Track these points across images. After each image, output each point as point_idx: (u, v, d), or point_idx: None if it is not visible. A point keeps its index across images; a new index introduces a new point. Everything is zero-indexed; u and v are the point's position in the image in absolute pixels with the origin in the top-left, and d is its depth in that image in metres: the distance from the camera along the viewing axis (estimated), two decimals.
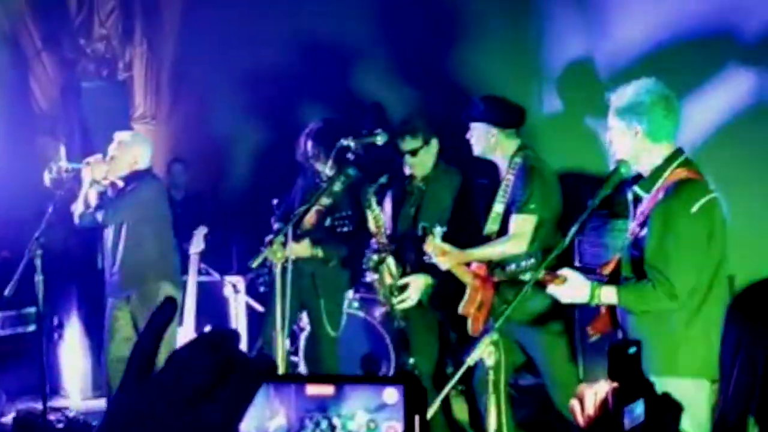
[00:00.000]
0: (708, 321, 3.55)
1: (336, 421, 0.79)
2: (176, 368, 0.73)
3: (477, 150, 4.84)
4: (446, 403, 5.11)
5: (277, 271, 4.72)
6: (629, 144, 3.72)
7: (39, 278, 5.49)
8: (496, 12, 6.48)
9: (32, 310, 5.93)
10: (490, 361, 3.51)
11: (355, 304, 5.93)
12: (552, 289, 3.74)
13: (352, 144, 4.75)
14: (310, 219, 5.27)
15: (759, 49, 5.40)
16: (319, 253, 5.39)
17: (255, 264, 4.69)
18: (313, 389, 0.78)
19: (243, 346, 0.78)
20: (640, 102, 3.69)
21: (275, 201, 5.91)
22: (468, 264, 4.74)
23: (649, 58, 5.73)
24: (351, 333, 5.75)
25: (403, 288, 5.04)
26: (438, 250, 4.64)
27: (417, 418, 0.76)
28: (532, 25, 6.41)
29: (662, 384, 1.92)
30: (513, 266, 4.62)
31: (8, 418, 5.78)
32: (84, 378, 6.51)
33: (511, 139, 4.80)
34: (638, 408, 1.80)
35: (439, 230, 4.66)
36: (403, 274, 5.10)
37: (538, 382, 5.10)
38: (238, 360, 0.73)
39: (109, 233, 5.68)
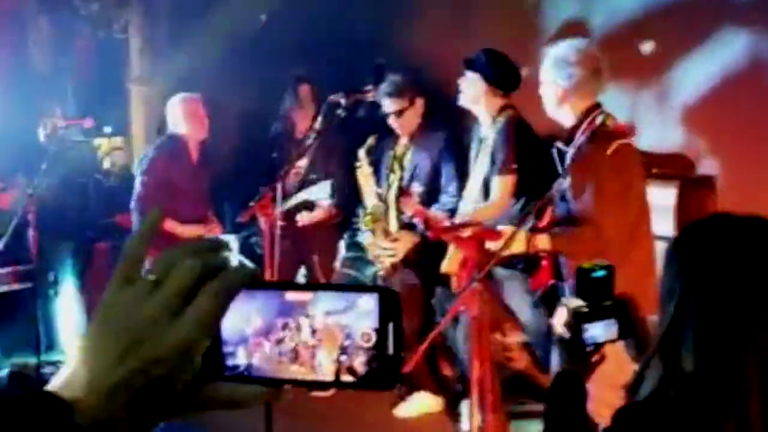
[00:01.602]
0: (637, 264, 3.68)
1: (305, 321, 0.81)
2: (163, 271, 0.76)
3: (463, 99, 4.86)
4: (433, 361, 5.16)
5: (265, 228, 4.77)
6: (553, 98, 3.97)
7: (32, 234, 5.53)
8: None
9: (28, 267, 5.97)
10: (473, 312, 3.56)
11: (348, 263, 5.96)
12: (491, 243, 3.95)
13: (342, 100, 4.77)
14: (289, 179, 5.30)
15: (753, 9, 5.40)
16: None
17: (244, 219, 4.73)
18: (290, 296, 0.81)
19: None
20: (566, 59, 3.92)
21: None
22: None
23: (644, 19, 5.73)
24: None
25: (393, 242, 5.08)
26: (421, 216, 4.66)
27: (391, 325, 0.79)
28: None
29: None
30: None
31: (3, 373, 5.83)
32: (79, 333, 6.55)
33: (497, 97, 4.81)
34: (597, 328, 1.95)
35: (417, 189, 4.67)
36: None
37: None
38: (221, 266, 0.76)
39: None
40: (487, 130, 4.79)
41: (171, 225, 5.57)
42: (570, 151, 3.92)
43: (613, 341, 2.00)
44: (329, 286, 0.83)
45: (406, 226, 4.99)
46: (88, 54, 7.55)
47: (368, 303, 0.79)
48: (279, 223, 4.65)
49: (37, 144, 6.02)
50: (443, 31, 6.51)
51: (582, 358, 2.03)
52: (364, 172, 5.08)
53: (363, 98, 4.82)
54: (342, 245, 5.95)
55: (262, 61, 7.17)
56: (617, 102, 5.63)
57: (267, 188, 4.68)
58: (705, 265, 1.67)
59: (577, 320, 1.97)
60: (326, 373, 0.80)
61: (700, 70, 5.55)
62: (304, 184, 5.29)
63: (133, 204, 5.78)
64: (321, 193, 5.27)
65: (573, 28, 6.16)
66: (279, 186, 4.61)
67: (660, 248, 4.96)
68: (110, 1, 7.86)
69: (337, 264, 5.83)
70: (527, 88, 5.60)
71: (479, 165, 4.78)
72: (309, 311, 0.80)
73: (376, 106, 5.09)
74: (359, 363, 0.79)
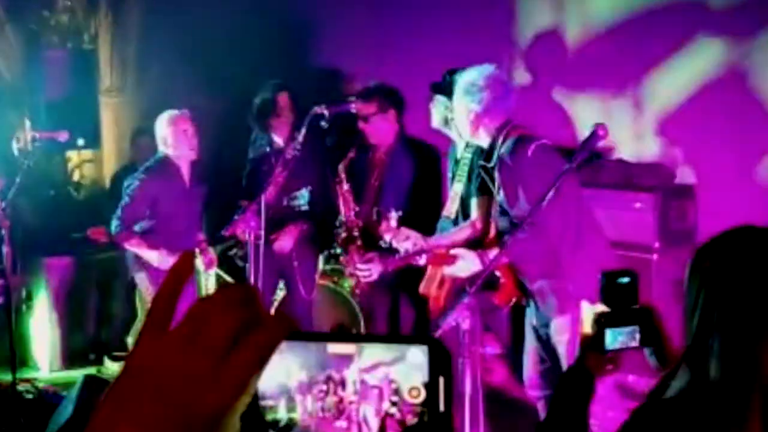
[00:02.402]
0: (588, 264, 3.74)
1: (350, 374, 0.77)
2: (197, 323, 0.71)
3: (434, 122, 4.84)
4: None
5: (249, 241, 4.72)
6: (467, 122, 4.16)
7: (6, 249, 5.43)
8: None
9: (0, 282, 5.86)
10: (465, 325, 3.54)
11: (326, 275, 5.93)
12: (448, 269, 4.13)
13: (325, 111, 4.70)
14: (270, 194, 5.22)
15: (727, 17, 5.44)
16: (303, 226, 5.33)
17: (228, 233, 4.67)
18: (333, 348, 0.77)
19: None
20: (475, 85, 4.12)
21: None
22: None
23: (619, 28, 5.77)
24: (322, 302, 5.75)
25: (368, 261, 5.00)
26: (401, 236, 4.62)
27: (441, 379, 0.74)
28: None
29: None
30: None
31: None
32: (53, 349, 6.46)
33: None
34: (620, 333, 2.01)
35: (394, 215, 4.61)
36: (369, 250, 5.05)
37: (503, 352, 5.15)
38: (259, 317, 0.72)
39: None
40: (462, 150, 4.75)
41: (160, 257, 5.45)
42: (494, 165, 4.09)
43: (635, 348, 2.04)
44: (375, 338, 0.78)
45: (385, 250, 4.88)
46: (57, 65, 7.44)
47: (417, 356, 0.75)
48: (262, 235, 4.60)
49: (9, 157, 5.91)
50: (415, 45, 6.48)
51: (599, 361, 2.06)
52: (342, 189, 5.02)
53: (346, 109, 4.77)
54: (321, 258, 5.90)
55: (235, 70, 7.12)
56: (593, 111, 5.67)
57: (250, 201, 4.63)
58: (726, 277, 1.74)
59: (599, 324, 2.01)
60: (372, 430, 0.76)
61: (676, 78, 5.59)
62: (284, 195, 5.23)
63: (116, 228, 5.54)
64: (300, 200, 5.22)
65: (547, 37, 6.19)
66: (262, 199, 4.56)
67: (642, 258, 5.00)
68: (79, 11, 7.77)
69: (317, 276, 5.79)
70: None
71: (456, 186, 4.75)
72: (353, 364, 0.76)
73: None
74: (408, 420, 0.75)
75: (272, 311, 5.77)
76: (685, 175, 5.45)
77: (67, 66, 7.53)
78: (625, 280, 2.03)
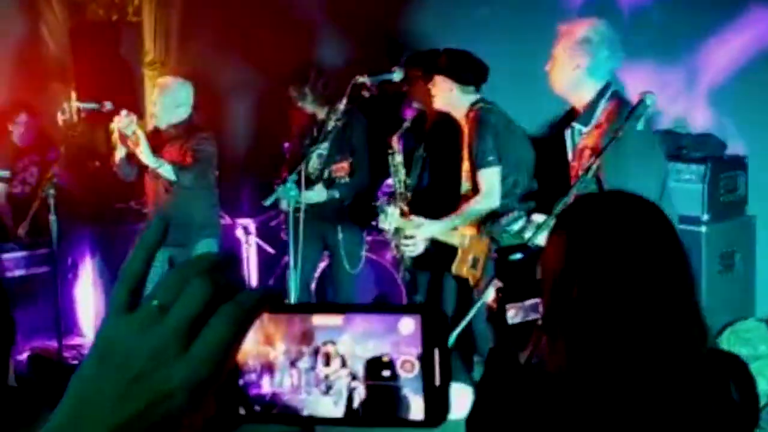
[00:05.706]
0: None
1: (338, 347, 0.69)
2: (166, 296, 0.66)
3: (437, 103, 4.71)
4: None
5: (290, 211, 4.70)
6: (567, 77, 3.92)
7: (52, 218, 5.49)
8: None
9: (47, 251, 5.92)
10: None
11: (367, 246, 5.90)
12: None
13: (367, 81, 4.64)
14: (314, 165, 5.18)
15: None
16: (335, 194, 5.27)
17: (268, 202, 4.64)
18: (318, 319, 0.70)
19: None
20: (588, 39, 3.87)
21: (286, 145, 5.87)
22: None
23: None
24: (363, 274, 5.72)
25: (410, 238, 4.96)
26: (411, 226, 4.58)
27: (437, 350, 0.68)
28: None
29: None
30: (502, 220, 4.55)
31: (24, 356, 5.79)
32: (98, 316, 6.51)
33: (468, 95, 4.66)
34: (522, 308, 2.00)
35: (390, 210, 4.57)
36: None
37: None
38: (235, 287, 0.67)
39: (152, 185, 5.55)
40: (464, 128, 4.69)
41: None
42: (587, 132, 3.87)
43: (538, 320, 2.00)
44: (363, 308, 0.71)
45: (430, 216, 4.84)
46: (102, 37, 7.47)
47: (409, 326, 0.68)
48: (303, 206, 4.57)
49: (55, 128, 5.95)
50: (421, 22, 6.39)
51: (509, 336, 2.03)
52: (395, 160, 4.97)
53: (388, 78, 4.70)
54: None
55: (277, 43, 7.10)
56: (646, 81, 5.56)
57: (292, 172, 4.60)
58: (585, 240, 1.68)
59: (499, 300, 2.04)
60: (362, 407, 0.69)
61: (728, 49, 5.47)
62: (327, 165, 5.20)
63: None
64: (340, 171, 5.18)
65: (600, 7, 6.06)
66: (303, 169, 4.53)
67: (689, 229, 4.91)
68: None
69: (364, 250, 5.75)
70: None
71: (466, 164, 4.68)
72: (341, 336, 0.69)
73: (400, 87, 4.98)
74: (401, 395, 0.68)
75: (313, 285, 5.77)
76: (736, 147, 5.34)
77: (112, 38, 7.56)
78: (517, 256, 2.05)
